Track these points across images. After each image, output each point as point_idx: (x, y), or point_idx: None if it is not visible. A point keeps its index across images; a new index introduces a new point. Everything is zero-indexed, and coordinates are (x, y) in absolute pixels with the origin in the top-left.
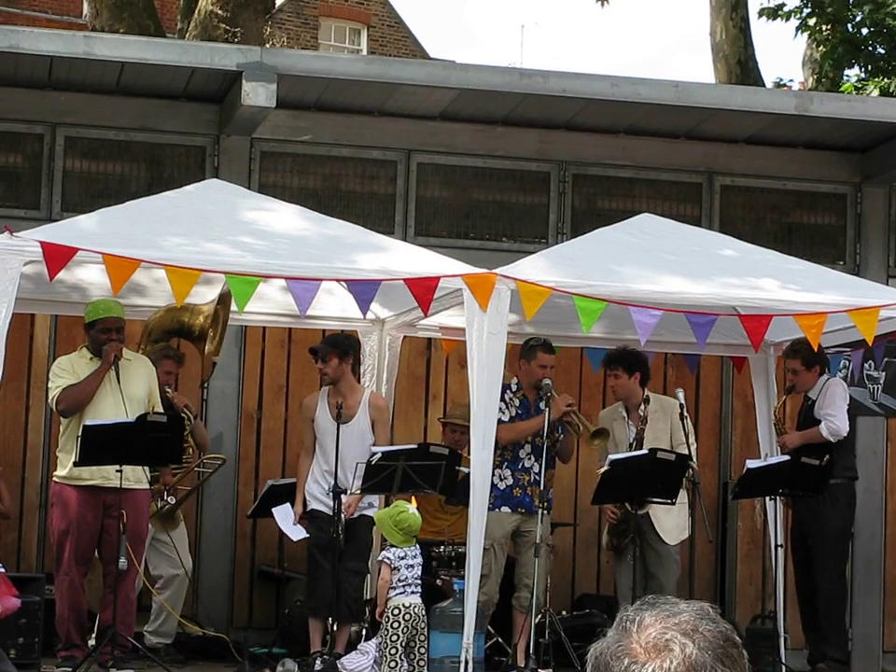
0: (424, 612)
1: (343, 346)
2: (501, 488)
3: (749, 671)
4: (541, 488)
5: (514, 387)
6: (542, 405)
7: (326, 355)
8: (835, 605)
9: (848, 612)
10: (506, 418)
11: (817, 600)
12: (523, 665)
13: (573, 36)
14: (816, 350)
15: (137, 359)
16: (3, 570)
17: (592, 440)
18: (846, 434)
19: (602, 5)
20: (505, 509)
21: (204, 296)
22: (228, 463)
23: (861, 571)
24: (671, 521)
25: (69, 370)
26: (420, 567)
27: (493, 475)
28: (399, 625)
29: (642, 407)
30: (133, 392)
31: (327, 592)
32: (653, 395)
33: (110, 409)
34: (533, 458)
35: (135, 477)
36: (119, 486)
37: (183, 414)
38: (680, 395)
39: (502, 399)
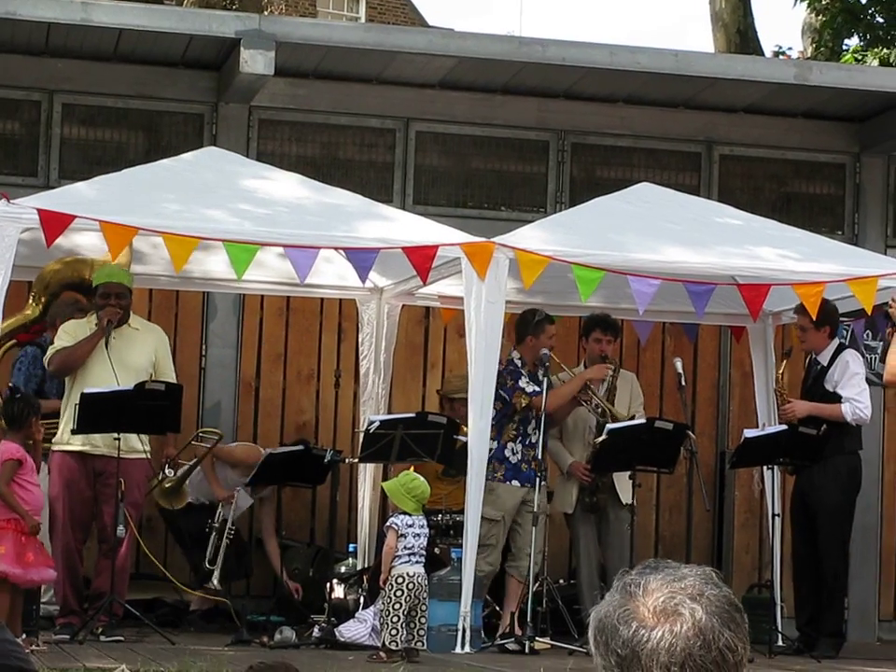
0: (426, 582)
1: None
2: (513, 462)
3: (748, 636)
4: (540, 458)
5: (519, 363)
6: (541, 374)
7: None
8: (838, 578)
9: None
10: (530, 390)
11: (818, 571)
12: (520, 633)
13: (573, 6)
14: (819, 317)
15: (147, 329)
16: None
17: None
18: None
19: None
20: (515, 482)
21: (203, 262)
22: (226, 431)
23: (857, 541)
24: (627, 484)
25: (70, 333)
26: (426, 538)
27: (506, 448)
28: (403, 594)
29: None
30: (132, 361)
31: None
32: None
33: (100, 376)
34: (537, 433)
35: (128, 446)
36: (107, 454)
37: None
38: (678, 364)
39: (521, 375)
